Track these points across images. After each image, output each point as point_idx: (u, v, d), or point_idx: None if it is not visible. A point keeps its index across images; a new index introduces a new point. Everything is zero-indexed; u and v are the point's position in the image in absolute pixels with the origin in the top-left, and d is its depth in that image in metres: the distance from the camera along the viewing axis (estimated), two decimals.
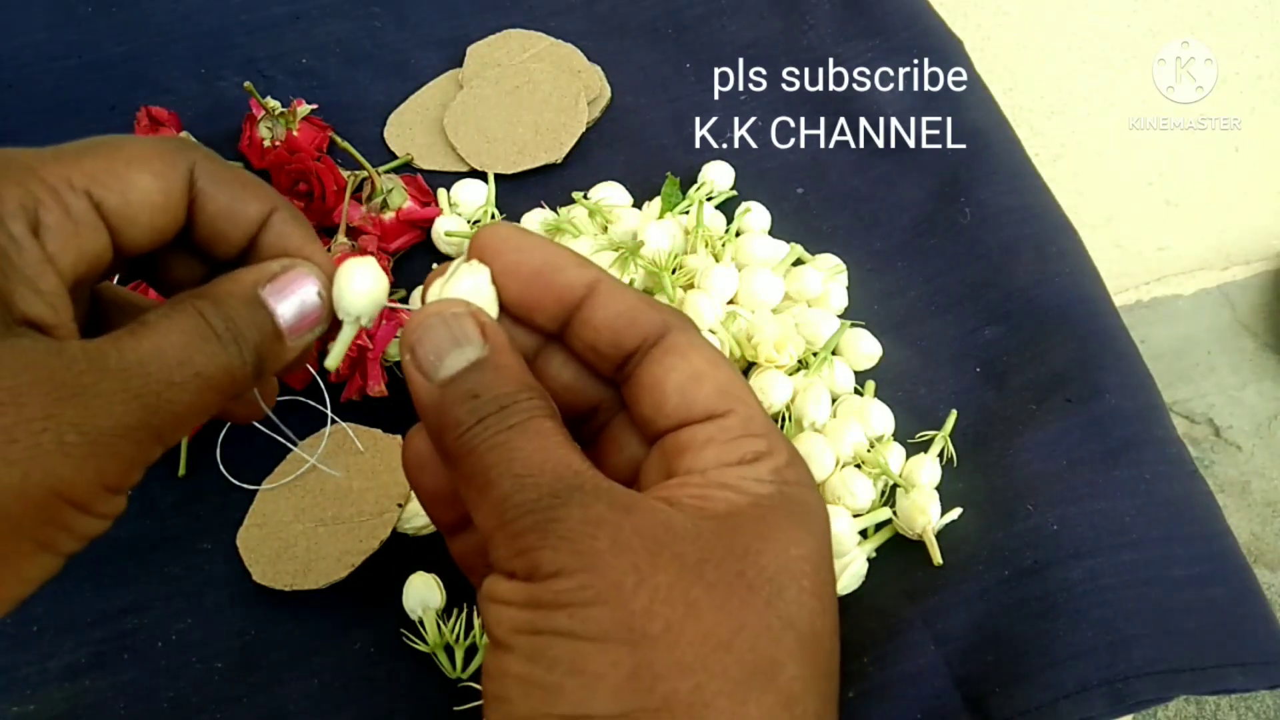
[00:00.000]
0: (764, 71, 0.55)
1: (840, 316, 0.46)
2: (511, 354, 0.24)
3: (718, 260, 0.45)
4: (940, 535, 0.40)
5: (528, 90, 0.54)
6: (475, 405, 0.23)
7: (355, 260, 0.26)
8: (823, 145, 0.53)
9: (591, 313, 0.25)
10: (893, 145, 0.52)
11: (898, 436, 0.43)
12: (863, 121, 0.53)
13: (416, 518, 0.41)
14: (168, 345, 0.24)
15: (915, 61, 0.54)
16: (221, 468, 0.43)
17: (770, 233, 0.49)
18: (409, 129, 0.54)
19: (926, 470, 0.41)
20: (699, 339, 0.26)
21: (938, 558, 0.39)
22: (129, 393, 0.23)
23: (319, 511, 0.41)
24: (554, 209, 0.49)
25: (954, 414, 0.43)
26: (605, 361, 0.26)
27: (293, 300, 0.26)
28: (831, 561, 0.24)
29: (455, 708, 0.38)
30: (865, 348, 0.45)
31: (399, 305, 0.31)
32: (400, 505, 0.40)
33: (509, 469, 0.23)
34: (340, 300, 0.26)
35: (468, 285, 0.25)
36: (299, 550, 0.40)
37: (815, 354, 0.44)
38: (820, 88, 0.54)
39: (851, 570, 0.39)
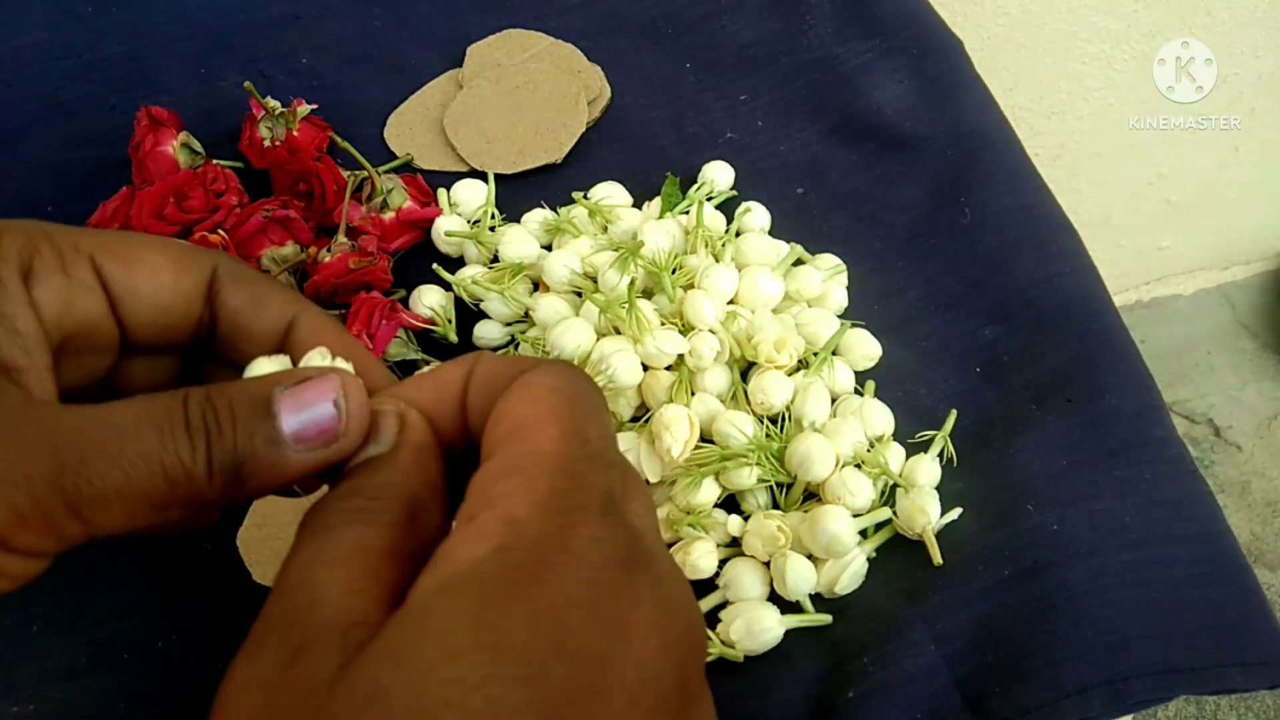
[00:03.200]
0: (764, 71, 0.55)
1: (840, 316, 0.46)
2: (414, 453, 0.23)
3: (718, 260, 0.45)
4: (940, 535, 0.40)
5: (528, 90, 0.54)
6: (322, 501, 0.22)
7: None
8: (823, 145, 0.53)
9: (468, 394, 0.24)
10: (893, 145, 0.52)
11: (898, 436, 0.43)
12: (863, 121, 0.53)
13: None
14: (119, 416, 0.22)
15: (915, 61, 0.54)
16: None
17: (770, 233, 0.49)
18: (409, 129, 0.54)
19: (926, 470, 0.41)
20: (539, 376, 0.23)
21: (938, 558, 0.39)
22: (46, 445, 0.21)
23: None
24: (554, 209, 0.49)
25: (954, 414, 0.43)
26: None
27: (302, 409, 0.23)
28: (604, 663, 0.18)
29: None
30: (865, 348, 0.45)
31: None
32: None
33: (277, 584, 0.20)
34: None
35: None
36: None
37: (815, 354, 0.44)
38: (820, 88, 0.54)
39: (851, 570, 0.39)
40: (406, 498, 0.22)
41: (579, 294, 0.45)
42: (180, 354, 0.28)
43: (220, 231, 0.45)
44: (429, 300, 0.46)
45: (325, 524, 0.21)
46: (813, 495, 0.41)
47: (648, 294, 0.45)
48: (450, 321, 0.46)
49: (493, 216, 0.49)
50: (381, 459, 0.22)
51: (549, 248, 0.48)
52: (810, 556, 0.39)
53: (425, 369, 0.30)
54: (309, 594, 0.20)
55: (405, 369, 0.45)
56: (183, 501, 0.22)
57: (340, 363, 0.25)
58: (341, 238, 0.46)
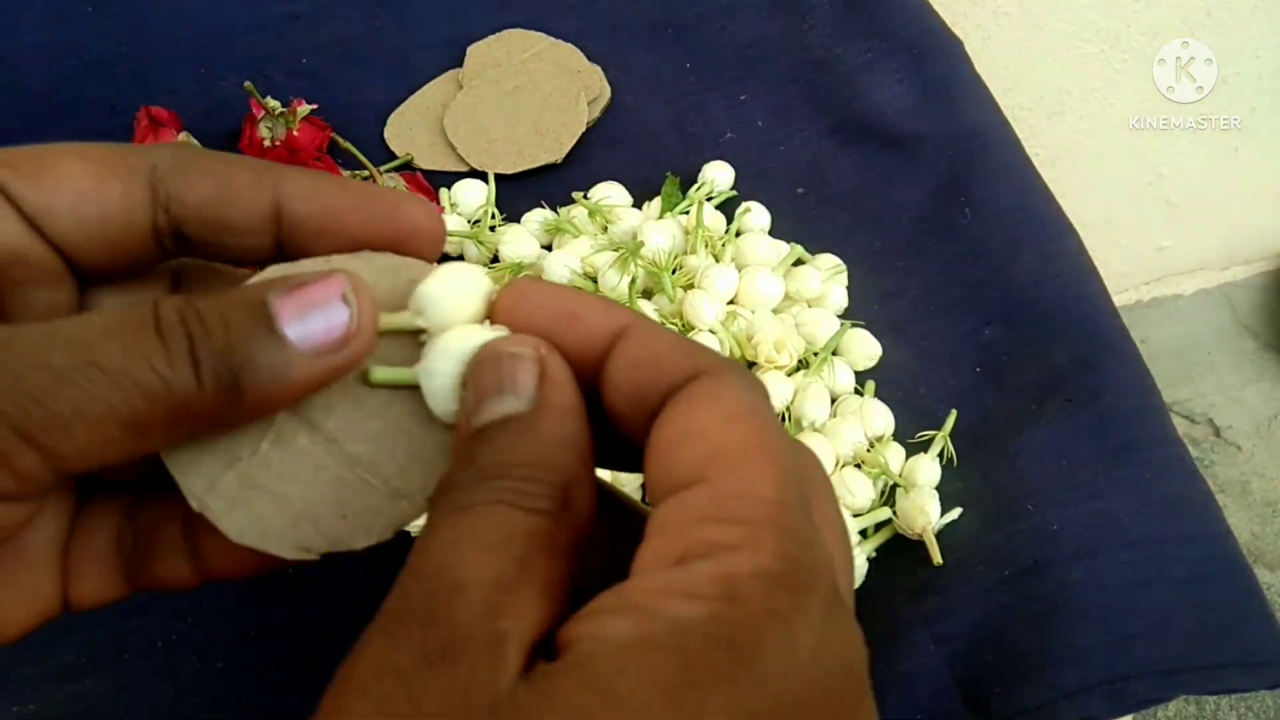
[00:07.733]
0: (764, 72, 0.55)
1: (840, 316, 0.46)
2: (561, 418, 0.19)
3: (718, 260, 0.45)
4: (940, 535, 0.40)
5: (528, 90, 0.54)
6: (461, 469, 0.19)
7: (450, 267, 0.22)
8: (823, 145, 0.53)
9: (612, 361, 0.20)
10: (893, 145, 0.52)
11: (898, 436, 0.43)
12: (863, 121, 0.53)
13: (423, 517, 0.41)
14: (68, 327, 0.18)
15: (915, 61, 0.54)
16: None
17: (770, 233, 0.49)
18: (409, 129, 0.54)
19: (926, 470, 0.41)
20: (728, 387, 0.18)
21: (938, 558, 0.39)
22: None
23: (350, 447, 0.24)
24: (554, 209, 0.49)
25: (954, 414, 0.43)
26: (634, 426, 0.20)
27: (305, 309, 0.20)
28: None
29: None
30: (865, 348, 0.45)
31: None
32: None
33: (416, 562, 0.18)
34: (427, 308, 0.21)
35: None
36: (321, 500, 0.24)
37: (815, 354, 0.44)
38: (820, 88, 0.54)
39: None
40: (560, 480, 0.18)
41: None
42: (166, 277, 0.24)
43: None
44: None
45: (468, 501, 0.18)
46: None
47: (648, 294, 0.45)
48: None
49: (493, 216, 0.49)
50: (524, 424, 0.19)
51: (549, 248, 0.48)
52: None
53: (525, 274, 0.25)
54: (453, 579, 0.17)
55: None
56: (171, 419, 0.19)
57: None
58: None
